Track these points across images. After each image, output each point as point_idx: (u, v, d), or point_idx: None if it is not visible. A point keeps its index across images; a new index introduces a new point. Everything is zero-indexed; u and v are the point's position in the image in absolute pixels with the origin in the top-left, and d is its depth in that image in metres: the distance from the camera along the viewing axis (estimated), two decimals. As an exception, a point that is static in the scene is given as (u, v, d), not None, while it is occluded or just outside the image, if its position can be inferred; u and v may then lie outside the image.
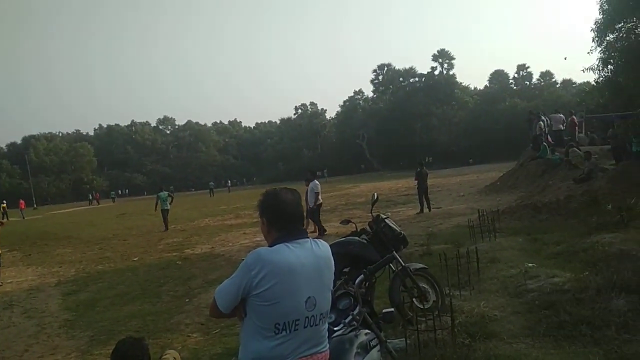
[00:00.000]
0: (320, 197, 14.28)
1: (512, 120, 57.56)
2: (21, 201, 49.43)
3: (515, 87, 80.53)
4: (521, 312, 5.11)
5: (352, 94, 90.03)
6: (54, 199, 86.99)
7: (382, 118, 77.45)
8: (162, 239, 16.99)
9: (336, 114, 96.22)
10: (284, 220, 2.29)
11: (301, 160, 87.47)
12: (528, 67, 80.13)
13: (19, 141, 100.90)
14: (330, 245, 5.85)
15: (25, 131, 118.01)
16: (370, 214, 5.87)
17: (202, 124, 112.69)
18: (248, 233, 16.05)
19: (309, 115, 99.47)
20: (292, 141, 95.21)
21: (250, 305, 2.19)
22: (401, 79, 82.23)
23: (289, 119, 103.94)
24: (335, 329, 2.92)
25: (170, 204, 20.61)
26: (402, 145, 69.47)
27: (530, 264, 6.88)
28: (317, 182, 14.38)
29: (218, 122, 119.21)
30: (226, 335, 6.02)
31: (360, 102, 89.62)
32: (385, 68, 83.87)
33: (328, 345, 2.38)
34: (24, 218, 41.42)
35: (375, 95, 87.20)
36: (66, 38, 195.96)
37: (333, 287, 4.25)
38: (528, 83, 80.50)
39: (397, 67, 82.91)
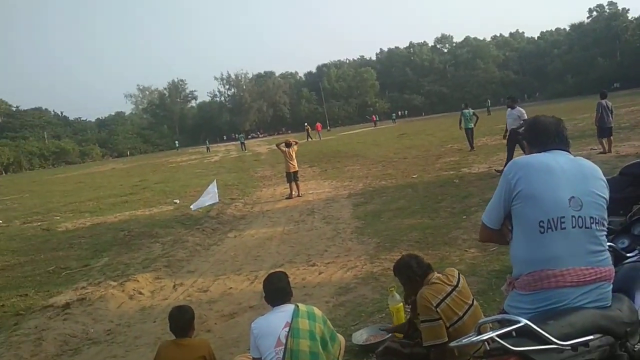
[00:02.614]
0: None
1: None
2: (318, 124, 56.46)
3: None
4: None
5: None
6: (343, 121, 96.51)
7: None
8: (440, 158, 17.40)
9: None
10: (541, 139, 2.34)
11: (595, 71, 76.82)
12: None
13: (314, 70, 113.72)
14: (628, 166, 5.26)
15: (319, 60, 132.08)
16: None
17: (481, 39, 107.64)
18: (528, 153, 15.16)
19: (607, 18, 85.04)
20: (584, 50, 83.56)
21: (514, 214, 2.22)
22: None
23: (581, 24, 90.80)
24: (628, 255, 2.67)
25: (475, 123, 19.25)
26: None
27: None
28: (520, 109, 12.64)
29: (498, 35, 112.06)
30: (504, 253, 5.97)
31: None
32: None
33: (611, 262, 2.21)
34: (320, 139, 47.23)
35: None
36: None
37: (630, 212, 3.82)
38: None
39: None
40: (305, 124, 55.36)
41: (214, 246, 9.19)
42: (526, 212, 2.16)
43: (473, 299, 3.40)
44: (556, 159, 2.22)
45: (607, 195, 2.23)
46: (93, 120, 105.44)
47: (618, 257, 2.67)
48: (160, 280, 7.31)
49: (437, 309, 3.15)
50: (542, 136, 2.34)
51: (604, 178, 2.26)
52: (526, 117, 12.44)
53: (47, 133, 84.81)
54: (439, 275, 3.44)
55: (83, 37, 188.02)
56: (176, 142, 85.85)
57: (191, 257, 8.47)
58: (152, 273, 7.56)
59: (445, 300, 3.20)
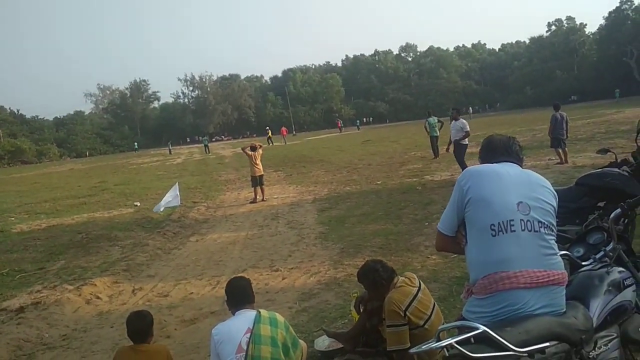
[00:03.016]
0: (467, 140, 12.93)
1: None
2: (283, 128, 56.37)
3: None
4: None
5: (619, 4, 76.34)
6: (309, 126, 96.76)
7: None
8: (403, 165, 17.63)
9: (598, 29, 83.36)
10: (492, 155, 2.54)
11: (553, 84, 79.54)
12: None
13: (279, 74, 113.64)
14: (584, 176, 5.43)
15: (285, 64, 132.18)
16: (635, 143, 5.14)
17: (444, 48, 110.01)
18: (489, 162, 15.52)
19: (565, 32, 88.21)
20: (543, 62, 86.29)
21: (467, 219, 2.33)
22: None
23: (540, 37, 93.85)
24: (583, 263, 2.75)
25: (439, 129, 19.10)
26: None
27: None
28: (463, 120, 13.09)
29: (460, 45, 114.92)
30: (464, 260, 6.08)
31: (630, 12, 75.52)
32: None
33: (563, 267, 2.30)
34: (286, 143, 47.14)
35: (650, 3, 72.53)
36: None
37: (585, 222, 3.94)
38: None
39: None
40: (267, 128, 55.31)
41: (175, 250, 9.03)
42: (478, 216, 2.27)
43: (434, 303, 3.47)
44: (505, 169, 2.39)
45: (554, 203, 2.35)
46: (51, 119, 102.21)
47: (573, 266, 2.76)
48: (119, 284, 7.13)
49: (407, 312, 3.22)
50: (493, 153, 2.55)
51: (551, 188, 2.39)
52: (468, 128, 12.75)
53: (3, 131, 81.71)
54: (402, 278, 3.50)
55: (41, 33, 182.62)
56: (135, 143, 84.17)
57: (151, 261, 8.30)
58: (110, 277, 7.36)
59: (413, 303, 3.27)
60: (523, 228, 2.20)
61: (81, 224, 12.20)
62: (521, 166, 2.50)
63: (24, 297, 6.72)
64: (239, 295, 3.30)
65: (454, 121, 13.25)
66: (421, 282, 3.54)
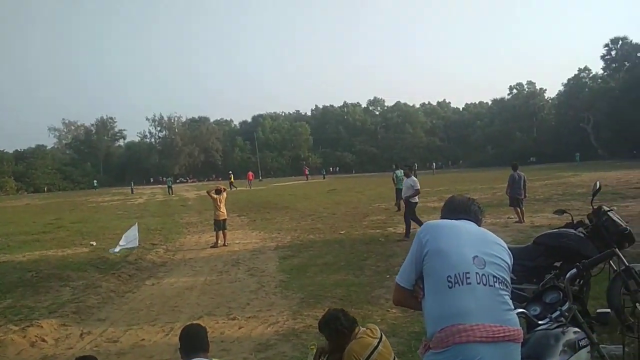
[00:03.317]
0: (417, 198, 13.04)
1: None
2: (250, 173, 56.17)
3: None
4: None
5: (577, 72, 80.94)
6: (276, 172, 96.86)
7: (613, 99, 68.06)
8: (367, 216, 17.72)
9: (557, 94, 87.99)
10: (452, 213, 2.63)
11: (514, 144, 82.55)
12: None
13: (249, 119, 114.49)
14: (541, 236, 5.54)
15: (255, 110, 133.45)
16: (590, 206, 5.32)
17: (411, 105, 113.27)
18: (451, 216, 15.77)
19: (525, 96, 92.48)
20: (504, 123, 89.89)
21: (425, 272, 2.36)
22: (639, 54, 71.12)
23: (502, 99, 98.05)
24: (539, 322, 2.77)
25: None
26: (637, 132, 60.22)
27: None
28: (414, 178, 13.23)
29: (426, 103, 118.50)
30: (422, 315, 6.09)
31: (588, 80, 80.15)
32: (620, 42, 73.39)
33: (519, 324, 2.31)
34: (250, 188, 46.90)
35: (605, 73, 77.25)
36: (287, 30, 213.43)
37: (542, 281, 4.01)
38: None
39: (634, 41, 71.93)
40: (230, 172, 55.29)
41: (129, 294, 8.71)
42: (435, 268, 2.30)
43: (394, 357, 3.43)
44: (463, 224, 2.49)
45: (508, 260, 2.40)
46: (11, 151, 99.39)
47: (530, 324, 2.78)
48: (67, 327, 6.80)
49: None
50: (453, 211, 2.63)
51: (506, 246, 2.46)
52: (418, 186, 12.85)
53: (-43, 162, 78.98)
54: (364, 329, 3.47)
55: (9, 63, 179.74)
56: (94, 181, 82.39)
57: (103, 304, 7.97)
58: (58, 319, 7.02)
59: (373, 355, 3.24)
60: (479, 281, 2.23)
61: (32, 262, 11.71)
62: (479, 225, 2.58)
63: (-37, 337, 6.31)
64: (194, 342, 3.19)
65: (405, 178, 13.30)
66: (382, 334, 3.51)
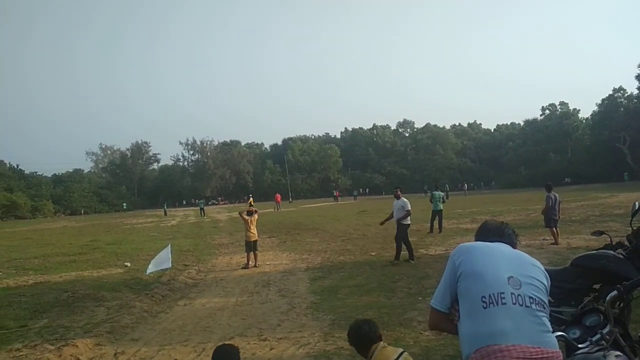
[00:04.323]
0: (409, 219, 12.63)
1: None
2: (277, 195, 56.18)
3: None
4: None
5: (612, 92, 79.23)
6: (305, 194, 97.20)
7: (649, 118, 66.30)
8: (398, 238, 17.53)
9: (591, 115, 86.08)
10: (485, 236, 2.63)
11: (547, 165, 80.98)
12: None
13: (279, 142, 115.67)
14: (579, 258, 5.42)
15: (285, 133, 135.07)
16: (630, 227, 5.17)
17: (441, 126, 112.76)
18: (484, 238, 15.49)
19: (559, 116, 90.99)
20: (537, 144, 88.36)
21: (459, 293, 2.34)
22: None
23: (535, 120, 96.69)
24: (580, 345, 2.69)
25: (442, 203, 18.96)
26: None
27: None
28: (405, 199, 12.77)
29: (457, 124, 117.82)
30: (458, 338, 5.96)
31: (623, 100, 78.33)
32: (656, 61, 71.73)
33: (558, 346, 2.25)
34: (278, 210, 46.98)
35: (641, 93, 75.35)
36: (317, 54, 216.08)
37: (581, 304, 3.90)
38: None
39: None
40: (250, 195, 56.22)
41: (162, 314, 8.80)
42: (469, 289, 2.28)
43: None
44: (497, 246, 2.47)
45: (545, 282, 2.36)
46: (49, 175, 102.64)
47: (570, 348, 2.69)
48: (101, 347, 6.89)
49: None
50: (486, 234, 2.63)
51: (543, 268, 2.42)
52: (409, 208, 12.54)
53: (0, 185, 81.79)
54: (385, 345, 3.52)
55: (49, 90, 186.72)
56: (124, 204, 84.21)
57: (137, 324, 8.07)
58: (93, 339, 7.12)
59: None
60: (514, 302, 2.19)
61: (68, 282, 11.96)
62: (514, 247, 2.56)
63: (2, 355, 6.48)
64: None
65: (396, 200, 12.94)
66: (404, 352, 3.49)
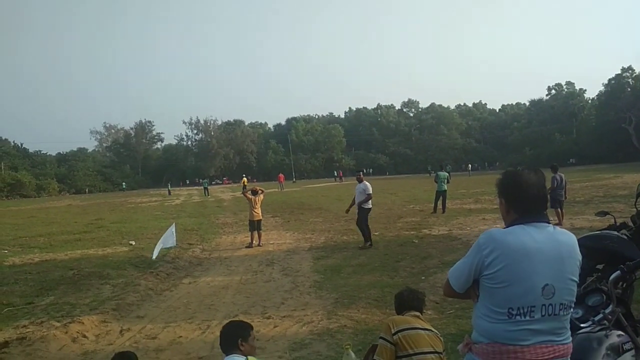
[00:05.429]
0: (370, 202, 12.41)
1: None
2: (280, 175, 56.12)
3: None
4: None
5: (619, 72, 78.24)
6: (309, 175, 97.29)
7: (657, 99, 65.68)
8: (401, 217, 17.59)
9: (597, 95, 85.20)
10: (524, 202, 2.20)
11: (552, 146, 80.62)
12: None
13: (283, 122, 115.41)
14: (583, 238, 5.41)
15: (289, 113, 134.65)
16: (634, 208, 5.16)
17: (445, 106, 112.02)
18: (487, 219, 15.54)
19: (564, 96, 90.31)
20: (542, 124, 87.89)
21: (482, 287, 2.19)
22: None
23: (540, 100, 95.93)
24: (582, 325, 2.70)
25: (447, 183, 18.88)
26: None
27: None
28: (367, 183, 12.53)
29: (462, 104, 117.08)
30: (460, 317, 6.01)
31: (630, 80, 77.41)
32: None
33: (571, 339, 2.21)
34: (282, 190, 47.08)
35: (649, 72, 74.43)
36: (318, 34, 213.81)
37: (584, 284, 3.91)
38: None
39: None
40: (243, 175, 56.16)
41: (167, 292, 8.88)
42: (497, 295, 2.13)
43: (444, 351, 3.43)
44: (534, 238, 2.12)
45: (578, 272, 2.20)
46: (54, 154, 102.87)
47: (572, 327, 2.71)
48: (107, 324, 6.98)
49: (398, 334, 3.29)
50: (524, 199, 2.20)
51: (579, 253, 2.21)
52: (370, 191, 12.29)
53: (4, 164, 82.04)
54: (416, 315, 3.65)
55: (52, 70, 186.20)
56: (123, 183, 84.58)
57: (142, 302, 8.15)
58: (98, 316, 7.21)
59: (409, 331, 3.29)
60: (543, 313, 2.09)
61: (74, 260, 12.06)
62: (549, 223, 2.23)
63: (9, 331, 6.56)
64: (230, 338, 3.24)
65: (358, 183, 12.71)
66: (432, 330, 3.50)
